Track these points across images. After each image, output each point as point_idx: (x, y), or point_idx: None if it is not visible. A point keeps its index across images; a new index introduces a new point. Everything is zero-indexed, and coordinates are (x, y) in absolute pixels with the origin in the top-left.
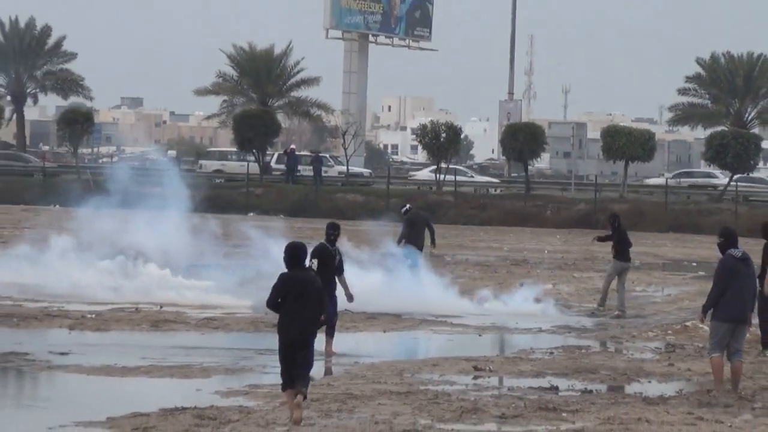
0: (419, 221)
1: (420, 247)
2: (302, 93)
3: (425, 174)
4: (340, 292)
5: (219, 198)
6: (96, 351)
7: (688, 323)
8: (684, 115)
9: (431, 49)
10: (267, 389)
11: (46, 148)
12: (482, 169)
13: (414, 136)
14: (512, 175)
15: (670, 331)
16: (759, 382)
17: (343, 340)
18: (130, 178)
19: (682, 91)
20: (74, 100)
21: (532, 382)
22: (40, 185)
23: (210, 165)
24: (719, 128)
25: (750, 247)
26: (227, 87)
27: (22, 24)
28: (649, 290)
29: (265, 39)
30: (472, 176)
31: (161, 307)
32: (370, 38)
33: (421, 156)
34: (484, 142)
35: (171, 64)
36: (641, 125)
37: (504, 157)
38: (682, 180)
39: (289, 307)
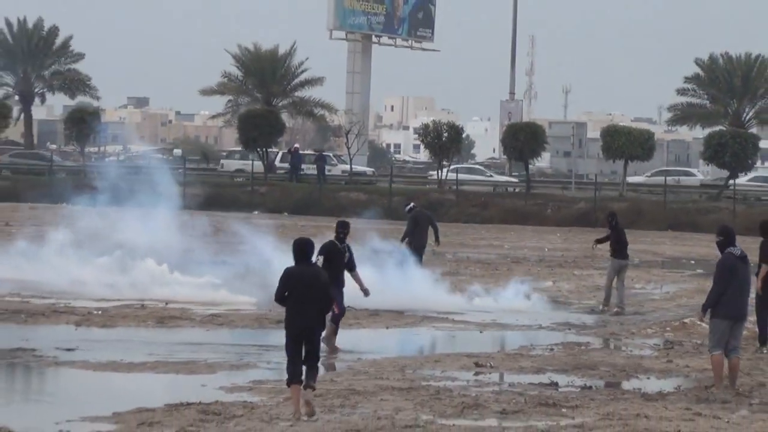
0: (423, 219)
1: (423, 245)
2: (306, 93)
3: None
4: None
5: (223, 196)
6: (102, 347)
7: (686, 320)
8: (683, 115)
9: (433, 50)
10: (271, 385)
11: (54, 146)
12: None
13: (416, 135)
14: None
15: (668, 328)
16: (756, 378)
17: (346, 337)
18: (133, 177)
19: (681, 92)
20: (81, 99)
21: (532, 378)
22: (51, 183)
23: (231, 164)
24: (717, 128)
25: (747, 245)
26: (232, 87)
27: (30, 24)
28: (648, 288)
29: (270, 40)
30: (491, 175)
31: (166, 303)
32: (373, 39)
33: (423, 155)
34: (486, 142)
35: (176, 65)
36: (640, 125)
37: (505, 157)
38: (680, 179)
39: (295, 300)
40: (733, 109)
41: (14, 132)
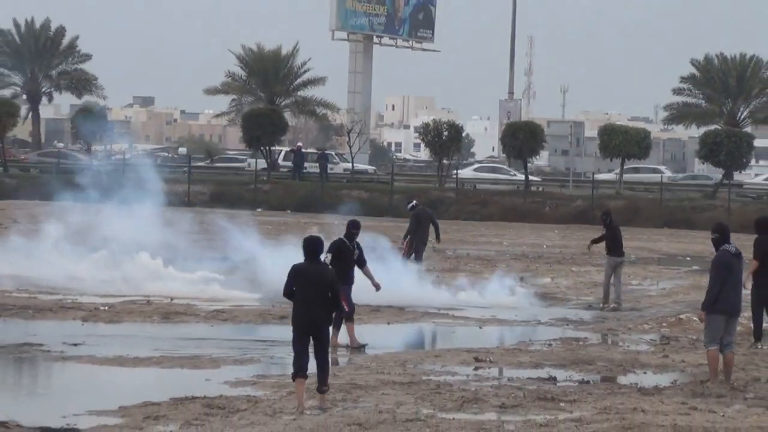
0: (425, 217)
1: (425, 242)
2: (309, 92)
3: (468, 172)
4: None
5: (227, 194)
6: (108, 342)
7: (682, 316)
8: (679, 114)
9: (434, 50)
10: (274, 379)
11: (61, 145)
12: (536, 168)
13: (417, 134)
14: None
15: (664, 324)
16: (751, 373)
17: (345, 333)
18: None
19: (677, 91)
20: (88, 98)
21: (531, 373)
22: (60, 181)
23: (260, 164)
24: (713, 127)
25: (742, 242)
26: (236, 86)
27: (37, 25)
28: (644, 284)
29: (273, 40)
30: (514, 174)
31: (171, 299)
32: (375, 39)
33: (424, 154)
34: (485, 141)
35: (181, 65)
36: (637, 124)
37: (504, 155)
38: (676, 176)
39: (302, 297)
40: (728, 109)
41: (22, 131)
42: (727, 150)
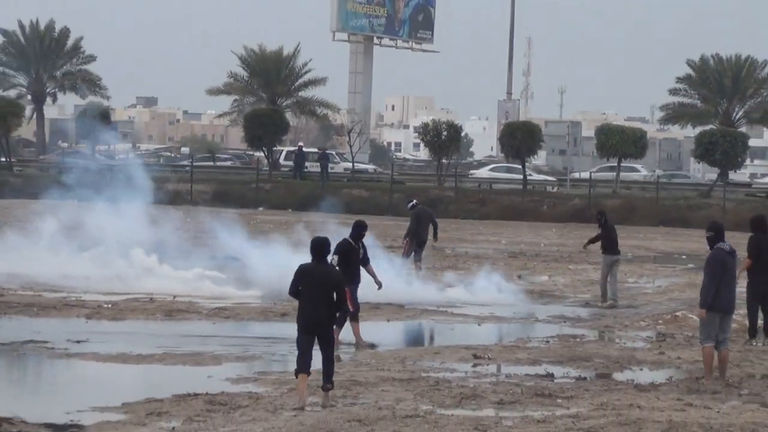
0: (425, 216)
1: (424, 241)
2: (310, 93)
3: (485, 172)
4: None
5: (230, 193)
6: (112, 339)
7: (678, 313)
8: (675, 114)
9: (433, 51)
10: (276, 376)
11: (65, 145)
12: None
13: (416, 134)
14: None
15: (660, 321)
16: (745, 369)
17: (348, 330)
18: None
19: (673, 92)
20: (92, 99)
21: (528, 370)
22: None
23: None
24: (708, 127)
25: (737, 240)
26: (238, 87)
27: (42, 26)
28: (640, 282)
29: (275, 41)
30: (530, 174)
31: (174, 297)
32: (375, 40)
33: (423, 153)
34: (484, 140)
35: (184, 66)
36: (634, 124)
37: (502, 155)
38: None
39: (307, 296)
40: (723, 109)
41: (27, 130)
42: (723, 149)
